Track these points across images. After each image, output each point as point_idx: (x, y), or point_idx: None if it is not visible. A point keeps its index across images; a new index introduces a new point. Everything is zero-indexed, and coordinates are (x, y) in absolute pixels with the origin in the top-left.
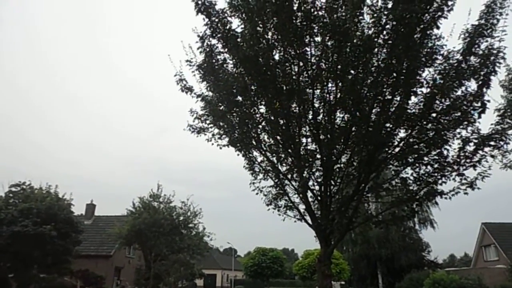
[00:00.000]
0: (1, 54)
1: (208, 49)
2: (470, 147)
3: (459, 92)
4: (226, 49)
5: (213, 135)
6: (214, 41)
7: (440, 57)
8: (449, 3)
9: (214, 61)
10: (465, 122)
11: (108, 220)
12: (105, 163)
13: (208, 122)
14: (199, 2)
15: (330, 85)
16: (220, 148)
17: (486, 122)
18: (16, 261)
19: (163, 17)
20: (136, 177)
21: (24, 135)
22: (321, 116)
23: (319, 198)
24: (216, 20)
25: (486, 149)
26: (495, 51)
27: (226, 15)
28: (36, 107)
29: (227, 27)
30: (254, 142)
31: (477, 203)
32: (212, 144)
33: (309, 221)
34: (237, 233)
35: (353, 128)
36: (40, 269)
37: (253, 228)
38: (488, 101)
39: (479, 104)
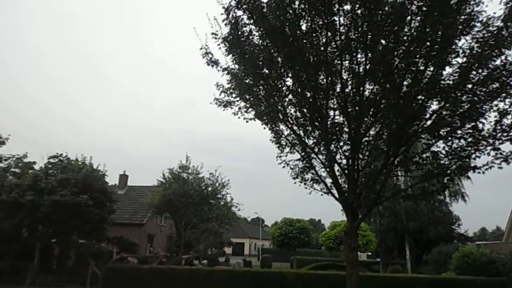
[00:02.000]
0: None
1: (233, 21)
2: (508, 120)
3: (498, 62)
4: (251, 21)
5: (239, 108)
6: (239, 13)
7: (478, 24)
8: None
9: (239, 33)
10: (503, 94)
11: (140, 191)
12: (134, 135)
13: (234, 95)
14: None
15: (359, 55)
16: (247, 121)
17: None
18: (57, 228)
19: None
20: (164, 148)
21: (53, 112)
22: (349, 88)
23: (346, 172)
24: None
25: None
26: None
27: None
28: (64, 83)
29: None
30: (280, 115)
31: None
32: (239, 117)
33: (336, 195)
34: (264, 202)
35: (383, 101)
36: (79, 236)
37: (280, 198)
38: None
39: None
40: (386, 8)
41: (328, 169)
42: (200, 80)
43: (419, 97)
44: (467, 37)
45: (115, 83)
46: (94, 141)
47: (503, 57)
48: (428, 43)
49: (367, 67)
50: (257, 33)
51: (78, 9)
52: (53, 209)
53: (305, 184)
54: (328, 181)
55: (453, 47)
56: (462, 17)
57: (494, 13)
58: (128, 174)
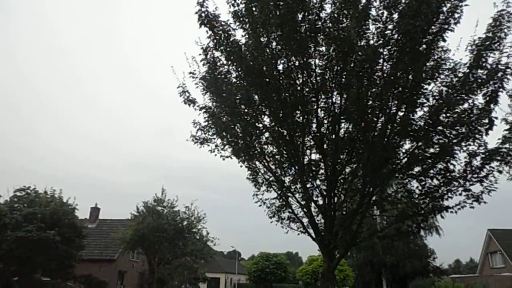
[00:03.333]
0: (16, 53)
1: (211, 61)
2: (477, 162)
3: (465, 105)
4: (229, 61)
5: (216, 145)
6: (217, 53)
7: (446, 70)
8: (456, 15)
9: (217, 73)
10: (472, 137)
11: (112, 224)
12: (112, 162)
13: (211, 133)
14: (203, 14)
15: (334, 95)
16: (223, 159)
17: (494, 135)
18: (20, 265)
19: (167, 28)
20: (139, 177)
21: (34, 133)
22: (325, 126)
23: (323, 210)
24: (220, 32)
25: (493, 163)
26: (503, 67)
27: (229, 27)
28: (50, 108)
29: (231, 39)
30: (257, 153)
31: (483, 207)
32: (215, 155)
33: (313, 235)
34: (241, 234)
35: (358, 139)
36: (44, 274)
37: (257, 229)
38: (496, 118)
39: (486, 120)
40: (359, 52)
41: (304, 209)
42: (177, 107)
43: (392, 136)
44: (437, 82)
45: (93, 110)
46: (66, 170)
47: (470, 101)
48: (399, 86)
49: (342, 106)
50: (234, 73)
51: (63, 34)
52: (17, 245)
53: (281, 223)
54: (305, 220)
55: (423, 90)
56: (431, 62)
57: (461, 59)
58: (100, 207)
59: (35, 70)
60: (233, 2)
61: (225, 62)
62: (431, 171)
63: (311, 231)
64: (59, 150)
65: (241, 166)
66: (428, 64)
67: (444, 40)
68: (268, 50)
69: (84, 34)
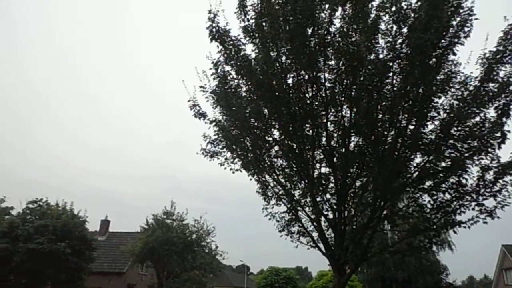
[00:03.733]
0: (19, 57)
1: (221, 75)
2: (490, 176)
3: (477, 119)
4: (239, 75)
5: (226, 159)
6: (227, 68)
7: (457, 84)
8: (466, 29)
9: (227, 86)
10: (484, 151)
11: (122, 237)
12: (121, 174)
13: (221, 146)
14: (213, 30)
15: (344, 109)
16: (233, 172)
17: (507, 149)
18: (31, 277)
19: (179, 44)
20: (150, 192)
21: (40, 144)
22: (335, 140)
23: (333, 224)
24: (230, 46)
25: (507, 178)
26: None
27: (240, 42)
28: (53, 117)
29: (241, 54)
30: (267, 167)
31: (496, 222)
32: (225, 168)
33: (323, 249)
34: (250, 247)
35: (368, 153)
36: (54, 286)
37: (266, 243)
38: (509, 131)
39: (498, 134)
40: (369, 66)
41: (314, 223)
42: (188, 121)
43: (403, 150)
44: (447, 95)
45: (102, 122)
46: (77, 183)
47: (482, 114)
48: (410, 100)
49: (352, 120)
50: (244, 87)
51: (67, 41)
52: (28, 257)
53: (291, 237)
54: (315, 234)
55: (434, 103)
56: (441, 76)
57: (471, 73)
58: (110, 219)
59: (36, 71)
60: (243, 17)
61: (235, 76)
62: (443, 185)
63: (321, 245)
64: (59, 157)
65: (250, 180)
66: (438, 77)
67: (454, 54)
68: (277, 64)
69: (85, 35)
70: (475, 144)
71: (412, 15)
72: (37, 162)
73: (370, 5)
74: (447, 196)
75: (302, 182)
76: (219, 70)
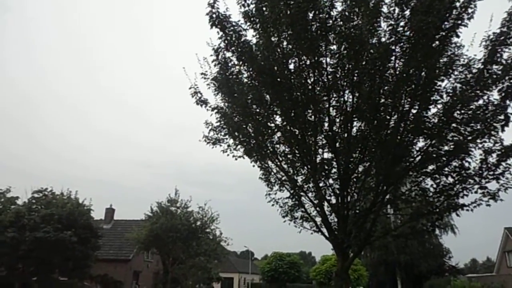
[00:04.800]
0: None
1: (222, 62)
2: (493, 159)
3: (480, 102)
4: (240, 62)
5: (228, 146)
6: (228, 54)
7: (460, 67)
8: (469, 10)
9: (228, 73)
10: (487, 134)
11: (127, 225)
12: (124, 166)
13: (223, 133)
14: (214, 15)
15: (346, 93)
16: (236, 159)
17: (510, 131)
18: (38, 265)
19: (179, 29)
20: (154, 179)
21: (39, 143)
22: (337, 125)
23: (336, 209)
24: (231, 32)
25: (510, 160)
26: None
27: (240, 28)
28: (52, 111)
29: (242, 40)
30: (269, 153)
31: (500, 205)
32: (228, 155)
33: (326, 234)
34: (254, 233)
35: (370, 137)
36: (61, 274)
37: (270, 229)
38: None
39: (502, 117)
40: (371, 50)
41: (317, 208)
42: (191, 108)
43: (406, 134)
44: (450, 78)
45: (108, 101)
46: (81, 171)
47: (485, 97)
48: (412, 84)
49: (355, 105)
50: (246, 73)
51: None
52: (35, 246)
53: (294, 222)
54: (318, 219)
55: (437, 87)
56: (444, 59)
57: (475, 55)
58: (115, 207)
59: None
60: (243, 2)
61: (236, 62)
62: (446, 169)
63: (324, 230)
64: (68, 160)
65: (253, 166)
66: (441, 60)
67: (458, 36)
68: (279, 50)
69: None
70: (478, 127)
71: None
72: (38, 160)
73: None
74: (450, 179)
75: (305, 167)
76: (220, 57)
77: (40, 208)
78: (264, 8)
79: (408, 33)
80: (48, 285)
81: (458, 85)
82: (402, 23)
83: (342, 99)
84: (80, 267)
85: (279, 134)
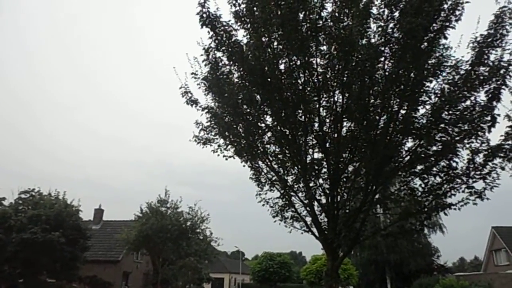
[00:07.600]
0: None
1: (213, 61)
2: (480, 159)
3: (468, 103)
4: (231, 61)
5: (218, 145)
6: (219, 54)
7: (448, 68)
8: (457, 13)
9: (219, 73)
10: (474, 134)
11: (116, 225)
12: (112, 167)
13: (213, 133)
14: (204, 15)
15: (336, 94)
16: (226, 159)
17: (496, 132)
18: (25, 267)
19: (169, 29)
20: (143, 179)
21: (27, 141)
22: (327, 125)
23: (326, 209)
24: (221, 32)
25: (496, 160)
26: (505, 64)
27: (231, 27)
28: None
29: (232, 40)
30: (260, 153)
31: (486, 205)
32: (218, 155)
33: (316, 234)
34: (244, 233)
35: (360, 137)
36: (49, 275)
37: (260, 229)
38: (498, 115)
39: (489, 118)
40: (361, 51)
41: (308, 208)
42: (181, 108)
43: (395, 134)
44: (438, 79)
45: (99, 103)
46: (70, 171)
47: (472, 98)
48: (401, 84)
49: (344, 105)
50: (236, 73)
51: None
52: (22, 247)
53: (285, 222)
54: (308, 219)
55: (425, 88)
56: (433, 60)
57: (462, 57)
58: (104, 208)
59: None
60: (234, 2)
61: (227, 62)
62: (434, 169)
63: (314, 230)
64: (56, 159)
65: (243, 166)
66: (429, 61)
67: (446, 38)
68: (269, 50)
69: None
70: (466, 127)
71: None
72: (26, 159)
73: None
74: (438, 179)
75: (295, 167)
76: (210, 57)
77: (27, 209)
78: (255, 8)
79: (397, 34)
80: (36, 287)
81: (446, 86)
82: (391, 25)
83: (332, 99)
84: (68, 268)
85: (269, 134)
